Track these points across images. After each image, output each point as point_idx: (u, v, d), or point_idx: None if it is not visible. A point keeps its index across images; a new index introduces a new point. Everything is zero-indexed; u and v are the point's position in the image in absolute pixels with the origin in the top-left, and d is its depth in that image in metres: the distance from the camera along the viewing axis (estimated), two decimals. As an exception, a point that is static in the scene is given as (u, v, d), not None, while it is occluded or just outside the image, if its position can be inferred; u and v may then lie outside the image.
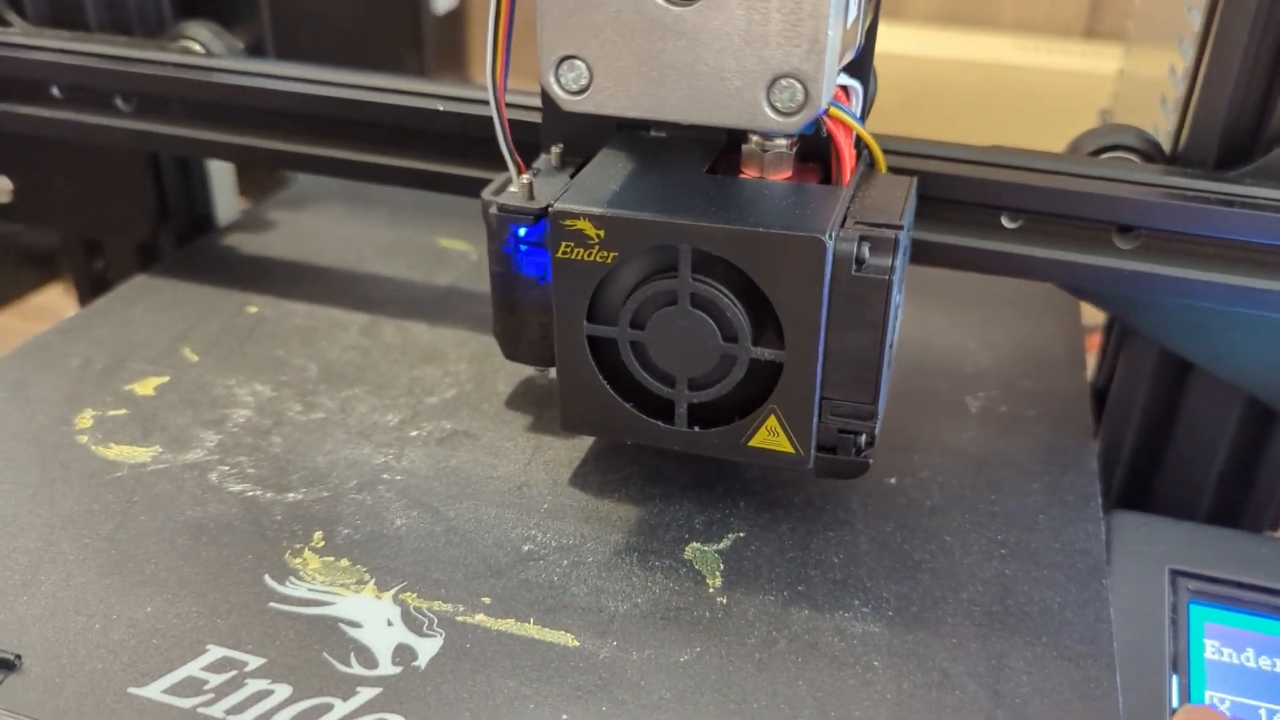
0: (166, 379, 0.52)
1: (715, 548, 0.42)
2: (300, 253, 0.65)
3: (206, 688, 0.36)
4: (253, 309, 0.58)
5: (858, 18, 0.37)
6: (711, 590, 0.40)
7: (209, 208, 0.69)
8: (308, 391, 0.51)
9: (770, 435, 0.40)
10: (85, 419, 0.49)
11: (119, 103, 0.57)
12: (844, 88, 0.40)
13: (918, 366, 0.54)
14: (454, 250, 0.65)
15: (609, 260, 0.39)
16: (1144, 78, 0.62)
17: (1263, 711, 0.42)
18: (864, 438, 0.40)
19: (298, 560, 0.41)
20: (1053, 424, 0.50)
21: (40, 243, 0.87)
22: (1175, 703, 0.42)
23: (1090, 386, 0.56)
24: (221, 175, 0.69)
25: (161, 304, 0.58)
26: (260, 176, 0.78)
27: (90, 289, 0.70)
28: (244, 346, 0.55)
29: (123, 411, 0.49)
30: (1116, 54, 0.89)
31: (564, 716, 0.35)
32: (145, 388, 0.51)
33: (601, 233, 0.38)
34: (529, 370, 0.52)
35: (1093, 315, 0.61)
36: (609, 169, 0.41)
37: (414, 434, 0.48)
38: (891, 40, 0.92)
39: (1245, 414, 0.51)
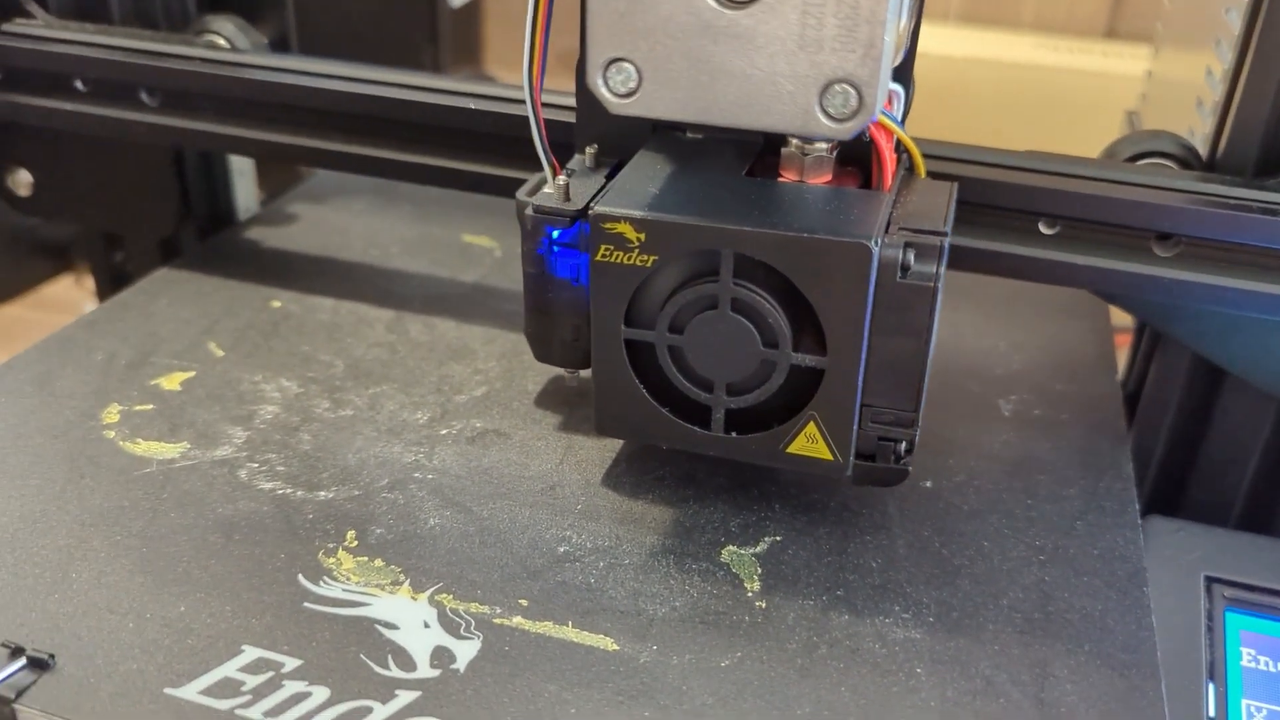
0: (192, 374, 0.51)
1: (752, 551, 0.42)
2: (323, 247, 0.65)
3: (244, 689, 0.35)
4: (277, 304, 0.58)
5: (907, 21, 0.36)
6: (750, 594, 0.40)
7: (230, 202, 0.69)
8: (335, 388, 0.51)
9: (809, 442, 0.40)
10: (112, 414, 0.48)
11: (144, 97, 0.56)
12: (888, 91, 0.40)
13: (949, 368, 0.54)
14: (478, 246, 0.65)
15: (649, 264, 0.38)
16: (1174, 80, 0.61)
17: (1300, 720, 0.42)
18: (904, 445, 0.40)
19: (331, 560, 0.41)
20: (1087, 428, 0.50)
21: (53, 234, 0.87)
22: (1212, 711, 0.42)
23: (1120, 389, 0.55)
24: (242, 169, 0.69)
25: (185, 298, 0.58)
26: (276, 170, 0.77)
27: (109, 282, 0.69)
28: (269, 342, 0.54)
29: (149, 406, 0.49)
30: (1138, 54, 0.89)
31: (606, 722, 0.35)
32: (171, 383, 0.51)
33: (642, 236, 0.38)
34: (558, 369, 0.52)
35: (1121, 316, 0.60)
36: (647, 171, 0.41)
37: (444, 432, 0.48)
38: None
39: (1278, 418, 0.50)
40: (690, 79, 0.34)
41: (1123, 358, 0.58)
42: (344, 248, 0.65)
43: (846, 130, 0.33)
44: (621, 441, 0.48)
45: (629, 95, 0.35)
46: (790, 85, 0.33)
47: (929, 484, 0.46)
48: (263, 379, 0.51)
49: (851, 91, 0.32)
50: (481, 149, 0.52)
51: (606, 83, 0.35)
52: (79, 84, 0.57)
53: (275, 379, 0.51)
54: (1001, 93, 0.90)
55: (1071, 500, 0.45)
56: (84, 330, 0.55)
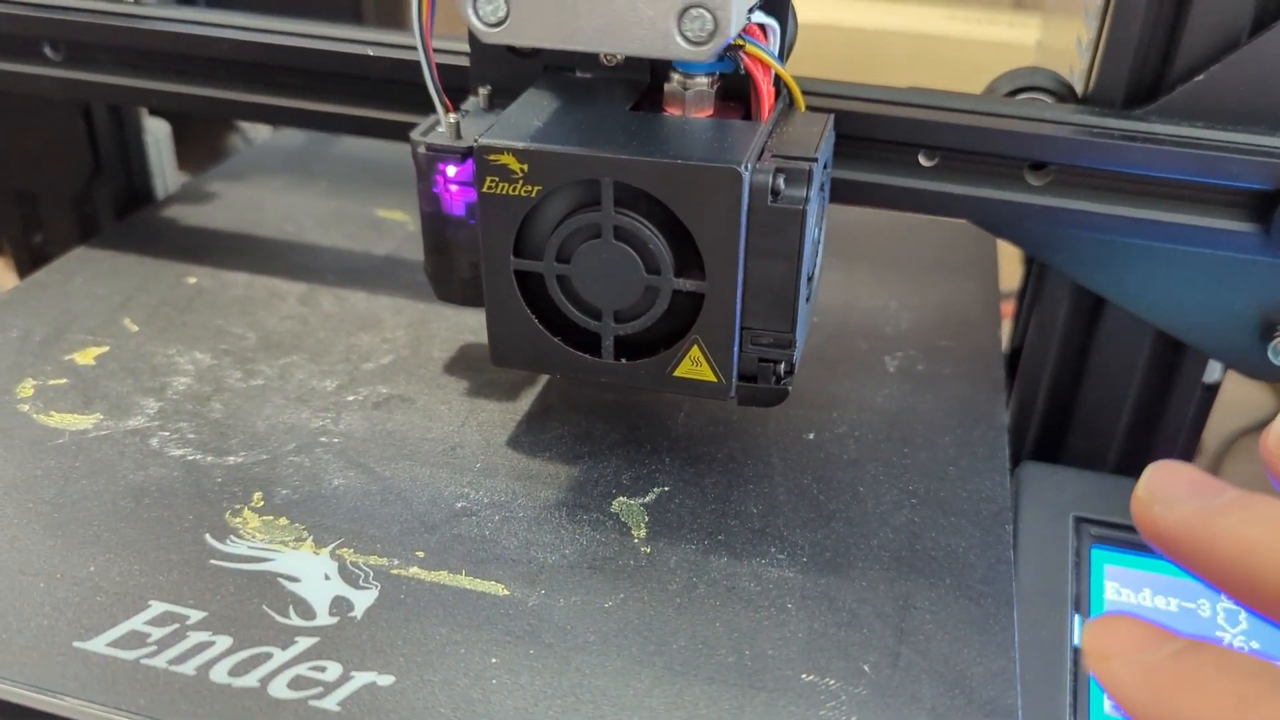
0: (107, 349, 0.53)
1: (641, 501, 0.44)
2: (239, 224, 0.66)
3: (149, 640, 0.37)
4: (192, 280, 0.59)
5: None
6: (636, 541, 0.42)
7: (146, 180, 0.70)
8: (247, 359, 0.52)
9: (693, 365, 0.41)
10: (26, 388, 0.50)
11: (48, 51, 0.57)
12: (761, 26, 0.41)
13: (841, 328, 0.56)
14: (392, 220, 0.66)
15: (533, 194, 0.39)
16: (1060, 47, 0.64)
17: (1157, 647, 0.44)
18: (783, 366, 0.41)
19: (237, 519, 0.43)
20: (966, 381, 0.52)
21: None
22: (1077, 640, 0.45)
23: (1007, 349, 0.58)
24: (160, 147, 0.70)
25: (101, 275, 0.59)
26: (199, 150, 0.78)
27: (29, 264, 0.70)
28: (184, 316, 0.56)
29: (63, 381, 0.50)
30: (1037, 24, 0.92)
31: (493, 660, 0.37)
32: (85, 357, 0.52)
33: (525, 167, 0.39)
34: (464, 337, 0.54)
35: (1008, 283, 0.63)
36: (534, 107, 0.42)
37: (351, 399, 0.50)
38: (823, 10, 0.94)
39: (1149, 367, 0.53)
40: (556, 6, 0.35)
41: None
42: (259, 224, 0.66)
43: (704, 53, 0.35)
44: (523, 403, 0.50)
45: (499, 24, 0.36)
46: (649, 10, 0.34)
47: (812, 436, 0.48)
48: (176, 352, 0.53)
49: (707, 15, 0.34)
50: (383, 95, 0.54)
51: (477, 12, 0.36)
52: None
53: (189, 352, 0.53)
54: (912, 63, 0.93)
55: (946, 448, 0.48)
56: (-1, 309, 0.56)
